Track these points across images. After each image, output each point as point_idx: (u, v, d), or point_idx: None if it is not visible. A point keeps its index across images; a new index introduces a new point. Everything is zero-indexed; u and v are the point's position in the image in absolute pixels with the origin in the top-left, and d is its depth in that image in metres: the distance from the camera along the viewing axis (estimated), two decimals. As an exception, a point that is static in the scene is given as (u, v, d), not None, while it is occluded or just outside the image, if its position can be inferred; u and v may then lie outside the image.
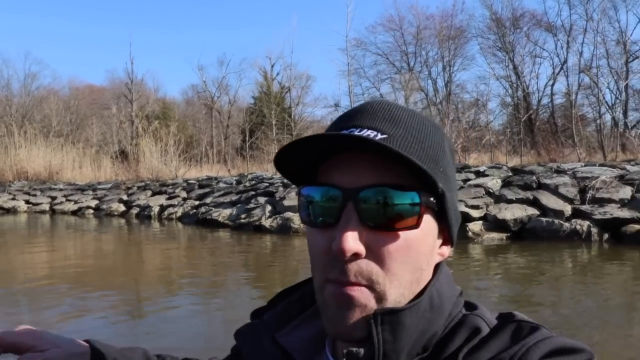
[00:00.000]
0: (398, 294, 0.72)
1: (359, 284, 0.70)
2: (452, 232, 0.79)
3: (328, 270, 0.71)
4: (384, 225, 0.70)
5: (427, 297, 0.73)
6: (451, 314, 0.76)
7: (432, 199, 0.73)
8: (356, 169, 0.72)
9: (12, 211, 24.95)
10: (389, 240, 0.71)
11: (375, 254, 0.70)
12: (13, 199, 26.37)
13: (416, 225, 0.72)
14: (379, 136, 0.71)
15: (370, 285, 0.70)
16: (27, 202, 25.68)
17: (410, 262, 0.72)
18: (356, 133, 0.71)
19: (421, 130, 0.76)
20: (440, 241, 0.79)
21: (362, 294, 0.70)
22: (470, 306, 0.81)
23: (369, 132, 0.72)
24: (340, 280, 0.70)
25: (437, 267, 0.80)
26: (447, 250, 0.81)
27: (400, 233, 0.71)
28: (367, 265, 0.70)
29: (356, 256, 0.69)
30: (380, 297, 0.70)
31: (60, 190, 26.66)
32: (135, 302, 7.64)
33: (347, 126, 0.75)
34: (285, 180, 18.06)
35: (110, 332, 5.87)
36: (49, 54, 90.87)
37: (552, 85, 34.73)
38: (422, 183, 0.71)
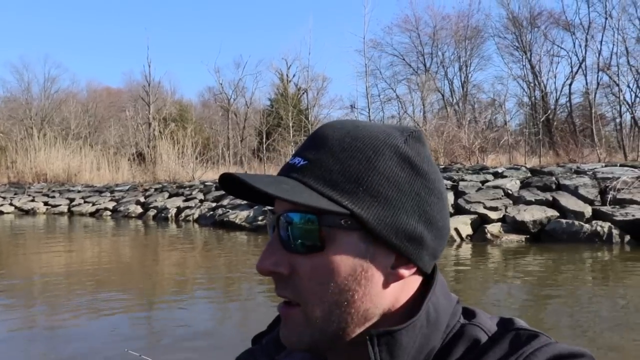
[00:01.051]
0: (324, 313, 0.72)
1: (290, 302, 0.74)
2: (404, 251, 0.74)
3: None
4: (293, 248, 0.73)
5: (423, 313, 0.72)
6: (449, 326, 0.76)
7: (342, 220, 0.72)
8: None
9: (31, 212, 25.26)
10: (302, 262, 0.72)
11: (296, 275, 0.72)
12: (32, 200, 26.69)
13: (320, 247, 0.72)
14: (301, 162, 0.75)
15: (297, 303, 0.73)
16: (45, 203, 25.98)
17: (328, 283, 0.72)
18: (289, 161, 0.77)
19: (349, 149, 0.75)
20: (389, 260, 0.75)
21: (297, 312, 0.73)
22: (468, 314, 0.79)
23: (297, 159, 0.76)
24: (279, 295, 0.75)
25: (432, 278, 0.79)
26: (406, 271, 0.76)
27: (309, 255, 0.73)
28: (294, 286, 0.73)
29: (277, 275, 0.73)
30: (307, 316, 0.73)
31: (79, 192, 26.92)
32: (149, 302, 7.65)
33: (294, 154, 0.79)
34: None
35: (124, 330, 5.89)
36: (68, 57, 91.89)
37: (570, 84, 34.30)
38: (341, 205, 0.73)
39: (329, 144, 0.76)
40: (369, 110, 28.05)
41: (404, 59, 42.37)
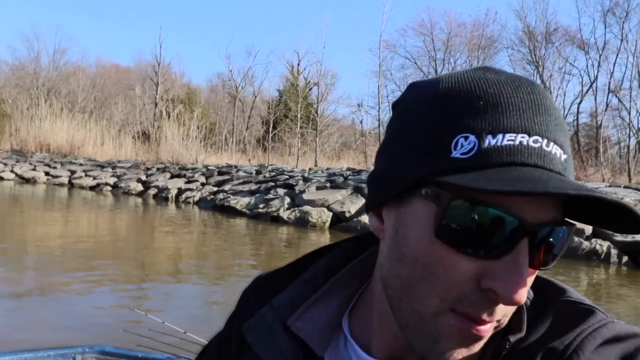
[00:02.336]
0: None
1: (492, 322, 0.61)
2: None
3: (462, 303, 0.60)
4: (543, 265, 0.61)
5: None
6: None
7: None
8: (539, 199, 0.59)
9: (31, 181, 25.26)
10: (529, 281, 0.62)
11: None
12: (33, 169, 26.68)
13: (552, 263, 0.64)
14: (563, 156, 0.60)
15: (499, 324, 0.62)
16: (47, 173, 25.97)
17: None
18: (544, 147, 0.58)
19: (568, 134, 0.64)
20: None
21: (489, 332, 0.62)
22: None
23: (555, 148, 0.59)
24: (476, 319, 0.60)
25: None
26: None
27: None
28: (508, 308, 0.61)
29: None
30: (492, 331, 0.63)
31: (80, 165, 26.93)
32: (139, 279, 7.69)
33: (526, 127, 0.59)
34: (306, 174, 18.31)
35: (111, 303, 5.92)
36: (80, 30, 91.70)
37: (579, 103, 34.41)
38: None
39: (564, 125, 0.63)
40: (379, 110, 28.02)
41: (415, 63, 42.40)
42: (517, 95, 0.60)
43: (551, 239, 0.59)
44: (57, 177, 25.36)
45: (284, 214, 14.56)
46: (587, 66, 34.21)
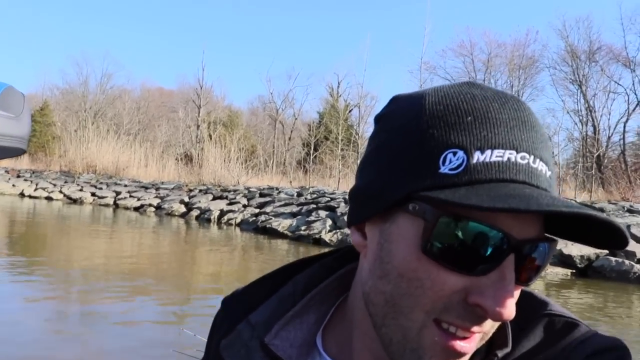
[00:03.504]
0: None
1: (476, 334, 0.61)
2: None
3: (449, 314, 0.59)
4: (528, 280, 0.61)
5: None
6: None
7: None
8: (524, 214, 0.59)
9: (78, 202, 25.90)
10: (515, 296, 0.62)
11: None
12: (80, 190, 27.39)
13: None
14: (548, 173, 0.60)
15: (485, 335, 0.62)
16: (93, 194, 26.62)
17: None
18: (531, 164, 0.59)
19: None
20: None
21: (473, 348, 0.61)
22: None
23: (541, 165, 0.60)
24: (463, 333, 0.60)
25: None
26: None
27: None
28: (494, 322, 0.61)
29: None
30: (478, 343, 0.63)
31: (125, 186, 27.50)
32: (183, 300, 7.79)
33: (514, 143, 0.59)
34: (348, 196, 18.20)
35: (158, 321, 5.98)
36: (126, 56, 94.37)
37: (625, 122, 33.59)
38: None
39: (548, 142, 0.64)
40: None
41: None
42: (504, 111, 0.61)
43: (535, 255, 0.60)
44: (102, 197, 25.96)
45: (326, 236, 14.56)
46: (633, 84, 33.50)
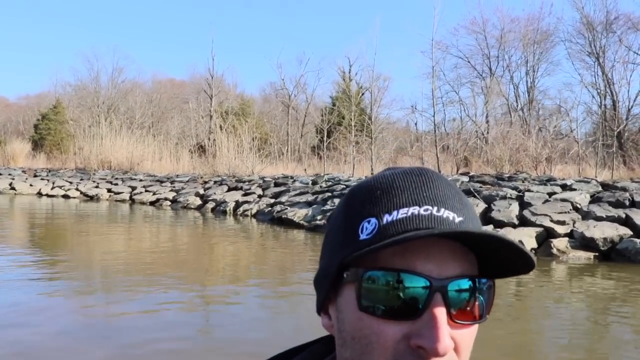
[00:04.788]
0: None
1: None
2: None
3: None
4: (467, 318, 0.69)
5: None
6: None
7: (494, 284, 0.75)
8: (439, 256, 0.68)
9: (95, 198, 26.04)
10: (467, 334, 0.70)
11: (455, 347, 0.68)
12: (96, 187, 27.52)
13: (488, 314, 0.72)
14: (457, 219, 0.70)
15: None
16: (109, 190, 26.74)
17: (469, 351, 0.72)
18: (435, 213, 0.69)
19: (470, 205, 0.75)
20: None
21: None
22: None
23: (447, 213, 0.69)
24: None
25: None
26: None
27: (475, 326, 0.71)
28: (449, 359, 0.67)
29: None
30: None
31: (140, 180, 27.56)
32: (201, 292, 7.73)
33: (416, 201, 0.70)
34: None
35: (173, 318, 5.91)
36: (136, 49, 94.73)
37: (646, 93, 32.87)
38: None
39: (463, 198, 0.74)
40: (435, 112, 27.56)
41: (469, 62, 41.61)
42: (407, 180, 0.72)
43: (465, 292, 0.68)
44: (118, 193, 26.06)
45: (342, 225, 14.40)
46: (654, 53, 32.71)
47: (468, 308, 0.68)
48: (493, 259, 0.70)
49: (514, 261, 0.70)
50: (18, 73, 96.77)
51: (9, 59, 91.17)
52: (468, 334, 0.69)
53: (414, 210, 0.68)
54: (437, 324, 0.64)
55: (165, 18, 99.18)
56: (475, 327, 0.71)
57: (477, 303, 0.69)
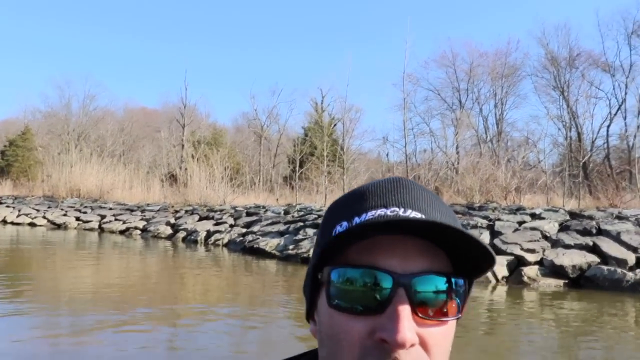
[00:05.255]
0: None
1: None
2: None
3: (370, 359, 0.67)
4: (435, 315, 0.69)
5: None
6: None
7: (467, 283, 0.74)
8: (403, 253, 0.70)
9: (62, 227, 25.54)
10: (438, 333, 0.69)
11: (424, 344, 0.68)
12: (65, 215, 27.02)
13: (460, 313, 0.72)
14: (418, 216, 0.70)
15: None
16: (77, 219, 26.26)
17: (448, 350, 0.72)
18: (401, 214, 0.70)
19: (448, 211, 0.77)
20: None
21: None
22: None
23: (414, 213, 0.71)
24: None
25: None
26: None
27: (448, 322, 0.71)
28: (418, 356, 0.67)
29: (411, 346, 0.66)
30: None
31: (110, 209, 27.16)
32: (170, 321, 7.59)
33: (385, 204, 0.72)
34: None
35: (142, 346, 5.79)
36: (108, 76, 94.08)
37: (608, 126, 33.86)
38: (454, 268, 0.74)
39: (434, 201, 0.76)
40: (406, 143, 27.87)
41: (439, 94, 42.34)
42: (380, 186, 0.76)
43: (430, 287, 0.69)
44: (87, 222, 25.60)
45: (314, 254, 14.33)
46: (613, 89, 33.87)
47: (435, 304, 0.69)
48: (460, 256, 0.71)
49: (476, 256, 0.70)
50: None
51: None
52: (439, 333, 0.69)
53: (381, 211, 0.70)
54: (399, 316, 0.65)
55: (138, 47, 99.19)
56: (449, 327, 0.71)
57: (446, 300, 0.70)
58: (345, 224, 0.72)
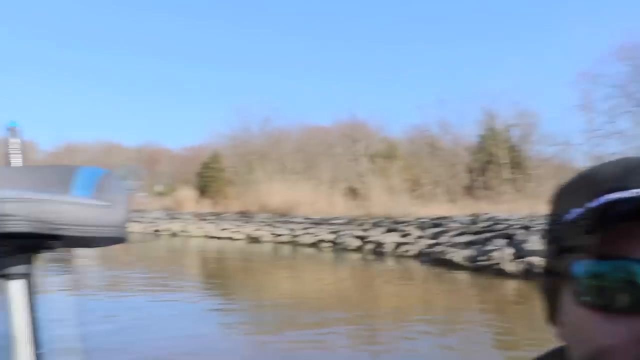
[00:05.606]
0: None
1: None
2: None
3: None
4: None
5: None
6: None
7: None
8: None
9: (257, 240, 27.69)
10: None
11: None
12: (258, 229, 29.26)
13: None
14: None
15: None
16: (270, 232, 28.28)
17: None
18: None
19: None
20: None
21: None
22: None
23: None
24: None
25: None
26: None
27: None
28: None
29: None
30: None
31: (299, 223, 28.88)
32: (371, 335, 8.16)
33: (626, 186, 0.58)
34: (525, 222, 17.67)
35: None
36: (283, 99, 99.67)
37: None
38: None
39: None
40: (591, 146, 26.31)
41: (623, 90, 39.15)
42: (616, 167, 0.63)
43: None
44: (279, 235, 27.49)
45: (508, 267, 14.22)
46: None
47: None
48: None
49: None
50: (177, 126, 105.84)
51: (167, 114, 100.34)
52: None
53: (628, 193, 0.56)
54: None
55: (308, 69, 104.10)
56: None
57: None
58: (581, 210, 0.59)
